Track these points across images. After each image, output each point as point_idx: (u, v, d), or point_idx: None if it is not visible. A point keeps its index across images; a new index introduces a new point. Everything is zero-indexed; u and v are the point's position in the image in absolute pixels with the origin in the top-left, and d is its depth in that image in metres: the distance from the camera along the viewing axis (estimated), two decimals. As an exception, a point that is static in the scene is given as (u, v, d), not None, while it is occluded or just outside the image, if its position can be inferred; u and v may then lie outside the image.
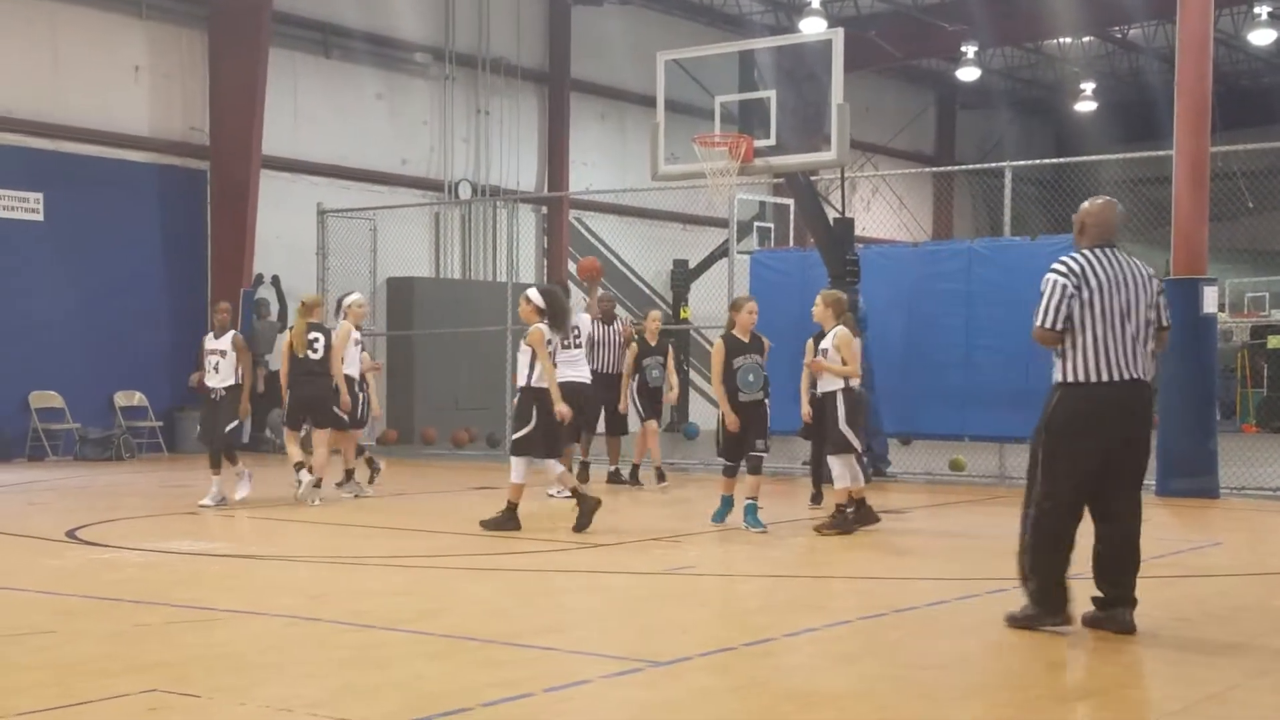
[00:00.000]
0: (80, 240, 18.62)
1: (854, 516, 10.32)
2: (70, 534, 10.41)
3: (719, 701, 5.46)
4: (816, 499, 12.17)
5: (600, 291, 14.78)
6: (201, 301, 20.08)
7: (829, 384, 10.55)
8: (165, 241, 19.82)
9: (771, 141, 14.10)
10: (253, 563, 9.30)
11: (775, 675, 6.10)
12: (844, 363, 10.47)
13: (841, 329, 10.56)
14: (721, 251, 21.58)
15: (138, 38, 19.59)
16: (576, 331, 13.68)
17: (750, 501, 10.46)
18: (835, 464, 10.35)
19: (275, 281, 20.64)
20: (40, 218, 18.45)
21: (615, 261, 26.48)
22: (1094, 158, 17.22)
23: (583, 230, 25.99)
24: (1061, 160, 17.84)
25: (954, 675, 5.89)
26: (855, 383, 10.60)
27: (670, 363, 14.74)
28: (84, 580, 8.45)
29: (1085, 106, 32.23)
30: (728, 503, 10.79)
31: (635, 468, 14.62)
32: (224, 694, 5.47)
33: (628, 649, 6.39)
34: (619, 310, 14.99)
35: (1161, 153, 14.79)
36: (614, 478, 14.38)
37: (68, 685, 5.57)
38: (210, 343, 12.40)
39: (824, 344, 10.64)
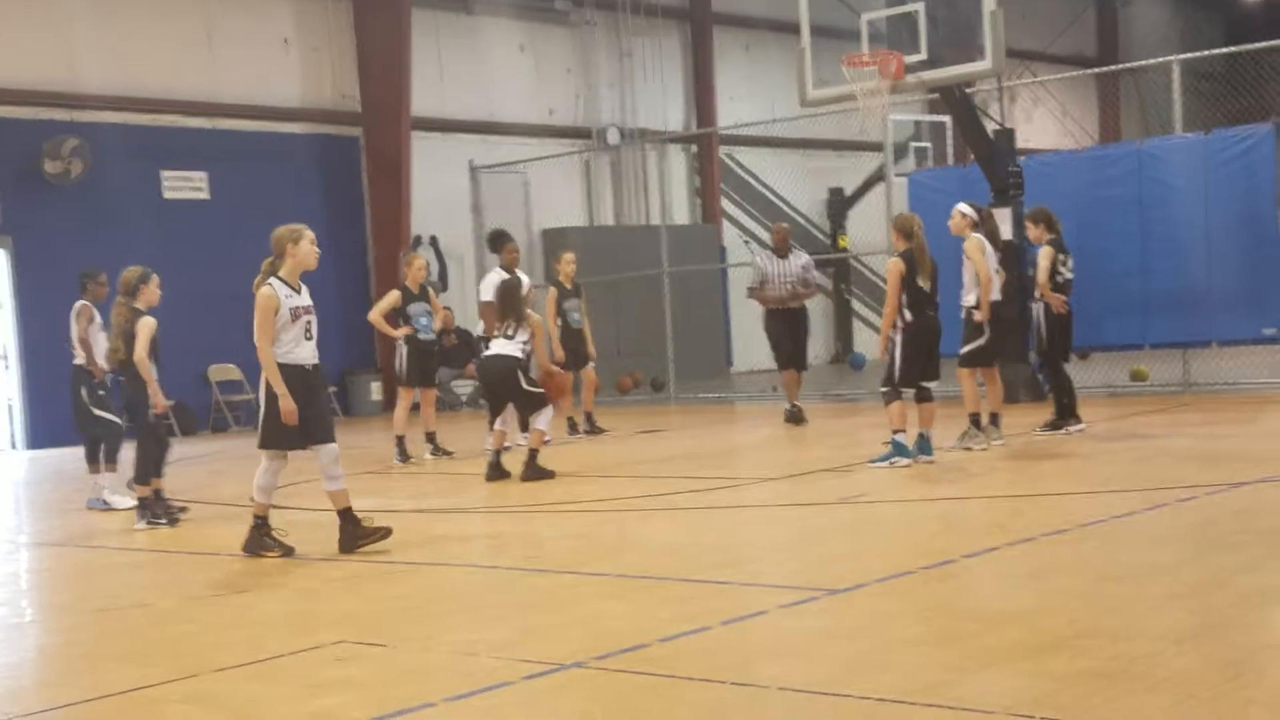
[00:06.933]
0: (245, 214, 19.08)
1: None
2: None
3: (901, 625, 5.34)
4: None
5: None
6: (364, 266, 20.51)
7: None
8: (325, 209, 20.24)
9: (923, 56, 13.71)
10: (430, 516, 9.47)
11: (958, 596, 5.96)
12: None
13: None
14: (878, 176, 21.14)
15: (285, 10, 19.97)
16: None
17: (925, 431, 10.16)
18: None
19: (434, 242, 20.94)
20: (206, 196, 19.03)
21: (769, 195, 26.19)
22: (1265, 44, 16.33)
23: (734, 166, 25.74)
24: (1232, 50, 16.94)
25: (1146, 586, 5.67)
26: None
27: (584, 305, 13.84)
28: (271, 541, 8.70)
29: (1255, -8, 30.62)
30: (920, 445, 10.05)
31: (589, 415, 14.16)
32: (409, 642, 5.57)
33: (804, 579, 6.32)
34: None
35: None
36: (792, 416, 13.86)
37: (261, 641, 5.74)
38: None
39: None
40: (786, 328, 13.68)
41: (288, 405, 7.58)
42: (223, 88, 19.21)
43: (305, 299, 7.78)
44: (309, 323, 7.78)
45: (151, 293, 9.58)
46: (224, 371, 18.95)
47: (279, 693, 4.91)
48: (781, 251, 13.71)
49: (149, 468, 9.58)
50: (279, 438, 7.74)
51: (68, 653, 6.05)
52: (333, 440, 7.77)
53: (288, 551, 7.82)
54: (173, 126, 18.76)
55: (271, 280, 7.67)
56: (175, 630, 6.16)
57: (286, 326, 7.64)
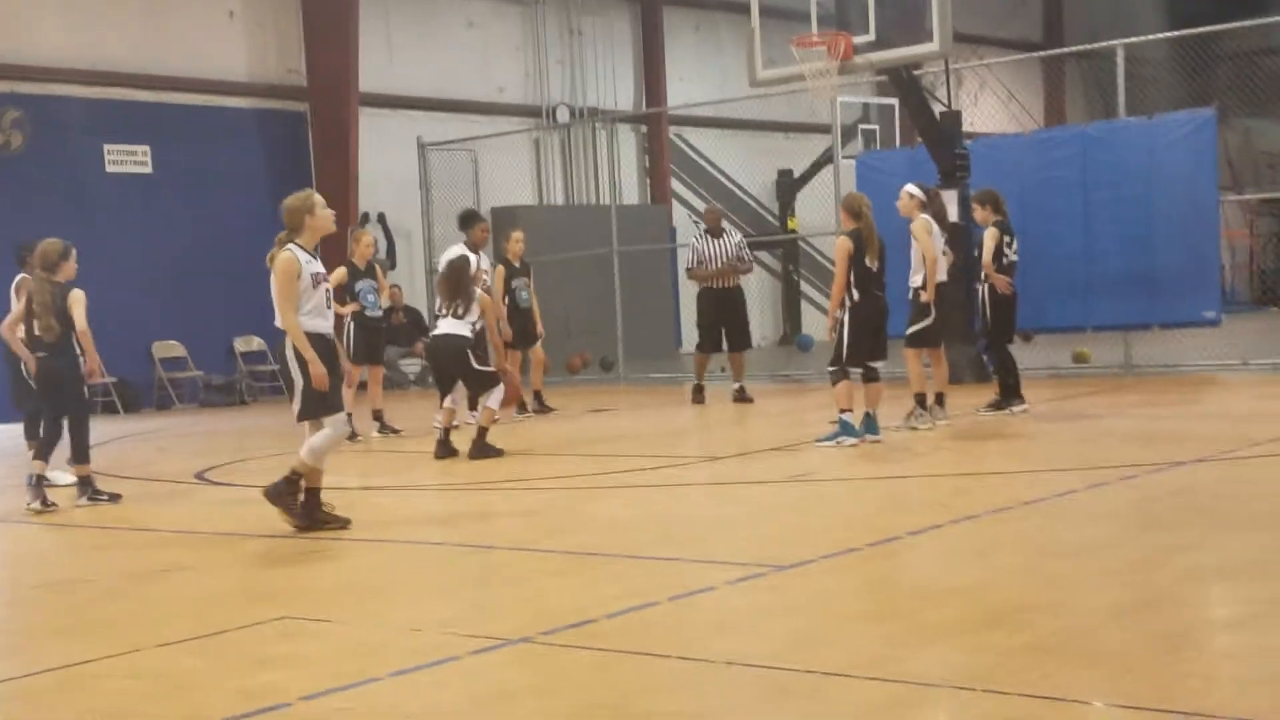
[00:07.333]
0: (189, 190, 18.93)
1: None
2: (199, 476, 10.65)
3: (845, 600, 5.39)
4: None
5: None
6: (312, 243, 20.31)
7: None
8: (271, 185, 19.97)
9: (871, 37, 13.78)
10: (379, 494, 9.43)
11: (901, 572, 6.01)
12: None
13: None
14: (826, 157, 21.21)
15: (230, -16, 19.73)
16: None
17: (871, 411, 10.22)
18: None
19: (381, 219, 20.80)
20: (149, 170, 18.79)
21: (719, 176, 26.21)
22: (1209, 28, 16.52)
23: (684, 146, 25.72)
24: (1175, 34, 17.12)
25: (1086, 562, 5.74)
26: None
27: (532, 284, 13.85)
28: (215, 518, 8.65)
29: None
30: (867, 424, 10.10)
31: (537, 394, 14.16)
32: (356, 618, 5.54)
33: (751, 555, 6.34)
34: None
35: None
36: (740, 395, 14.09)
37: (204, 616, 5.69)
38: None
39: None
40: (721, 307, 13.93)
41: (318, 370, 7.35)
42: (167, 61, 18.96)
43: (321, 265, 7.60)
44: (328, 290, 7.62)
45: (70, 268, 9.31)
46: (168, 348, 18.76)
47: (222, 668, 4.88)
48: (715, 232, 14.08)
49: (85, 444, 9.40)
50: (320, 406, 7.48)
51: (6, 628, 5.98)
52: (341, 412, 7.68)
53: (301, 523, 7.55)
54: (116, 99, 18.50)
55: (290, 246, 7.42)
56: (116, 606, 6.10)
57: (309, 293, 7.41)
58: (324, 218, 7.54)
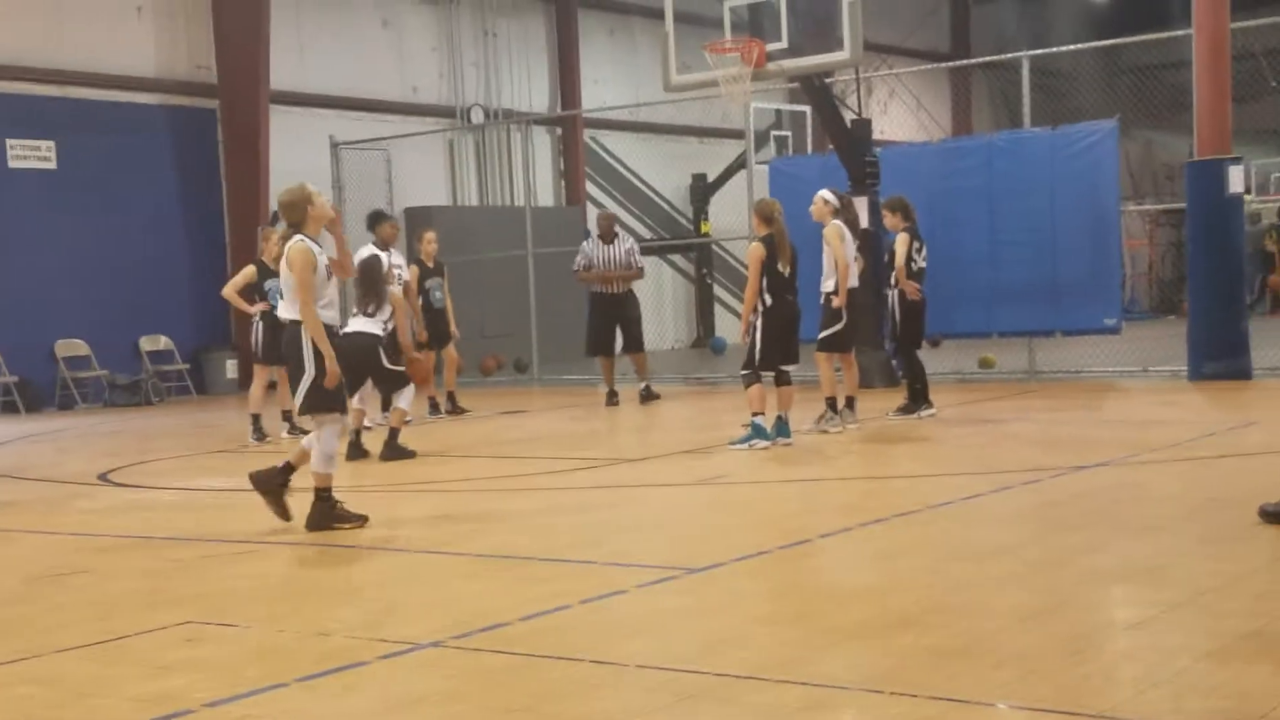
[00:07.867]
0: (95, 186, 18.56)
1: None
2: (103, 477, 10.45)
3: (756, 603, 5.43)
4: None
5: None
6: (220, 241, 20.03)
7: None
8: (180, 183, 19.73)
9: (784, 45, 13.89)
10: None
11: (812, 575, 6.07)
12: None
13: None
14: (740, 163, 21.33)
15: (138, -22, 19.37)
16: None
17: (783, 414, 10.30)
18: None
19: (292, 218, 20.53)
20: (53, 166, 18.38)
21: (633, 179, 26.25)
22: (1111, 42, 16.86)
23: (598, 150, 25.74)
24: (1078, 47, 17.47)
25: (991, 565, 5.84)
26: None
27: (447, 284, 13.91)
28: (118, 520, 8.49)
29: (1102, -7, 31.55)
30: (778, 427, 10.19)
31: (451, 395, 14.20)
32: (261, 622, 5.48)
33: (663, 558, 6.37)
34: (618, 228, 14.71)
35: (1181, 32, 14.49)
36: (646, 394, 14.34)
37: (106, 620, 5.58)
38: None
39: None
40: (610, 312, 14.20)
41: (333, 368, 7.22)
42: (73, 55, 18.56)
43: (327, 258, 7.43)
44: (337, 283, 7.51)
45: None
46: (71, 347, 18.36)
47: (123, 674, 4.79)
48: (607, 238, 14.29)
49: None
50: (323, 402, 7.35)
51: (-100, 635, 5.81)
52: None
53: (362, 520, 7.49)
54: (19, 94, 18.06)
55: (302, 238, 7.25)
56: (15, 611, 5.96)
57: (324, 285, 7.27)
58: (322, 205, 7.42)
